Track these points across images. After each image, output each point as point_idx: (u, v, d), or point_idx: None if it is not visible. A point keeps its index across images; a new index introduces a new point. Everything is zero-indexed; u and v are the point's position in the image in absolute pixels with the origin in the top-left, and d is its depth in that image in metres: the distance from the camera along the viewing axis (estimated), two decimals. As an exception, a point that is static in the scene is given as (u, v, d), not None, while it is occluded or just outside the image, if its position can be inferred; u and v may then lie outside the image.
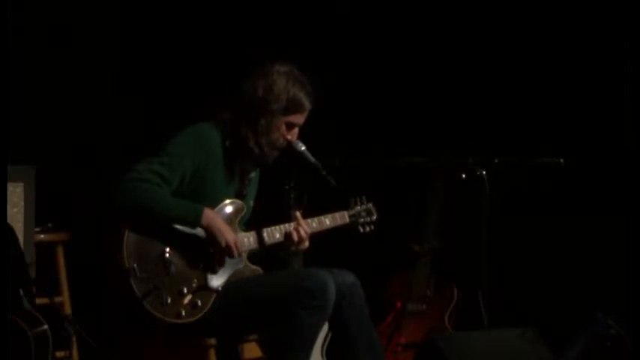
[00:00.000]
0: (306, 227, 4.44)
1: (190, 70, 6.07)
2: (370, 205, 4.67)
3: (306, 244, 4.46)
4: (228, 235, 4.27)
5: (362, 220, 4.63)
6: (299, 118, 4.43)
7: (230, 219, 4.37)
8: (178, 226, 4.24)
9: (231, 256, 4.29)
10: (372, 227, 4.65)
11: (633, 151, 5.58)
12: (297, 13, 6.09)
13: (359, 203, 4.65)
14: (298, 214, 4.47)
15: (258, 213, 4.60)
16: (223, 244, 4.26)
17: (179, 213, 4.23)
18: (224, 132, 4.38)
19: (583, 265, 5.72)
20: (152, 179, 4.19)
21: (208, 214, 4.25)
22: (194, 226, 4.25)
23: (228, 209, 4.39)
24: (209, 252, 4.28)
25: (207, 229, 4.25)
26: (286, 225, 4.45)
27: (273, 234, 4.43)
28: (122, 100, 6.16)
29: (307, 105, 4.41)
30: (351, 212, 4.62)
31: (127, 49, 6.16)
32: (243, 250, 4.38)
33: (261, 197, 4.61)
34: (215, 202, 4.35)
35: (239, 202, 4.43)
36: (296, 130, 4.45)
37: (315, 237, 4.53)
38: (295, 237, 4.42)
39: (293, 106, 4.38)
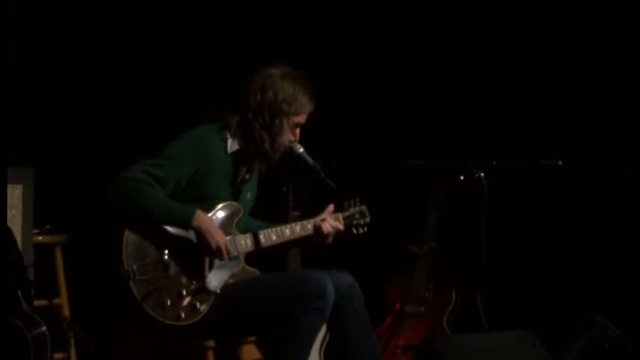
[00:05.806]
0: (332, 222, 4.51)
1: (190, 70, 6.07)
2: (364, 207, 4.67)
3: (330, 239, 4.53)
4: (219, 236, 4.27)
5: (356, 222, 4.64)
6: (303, 118, 4.48)
7: (224, 223, 4.36)
8: (174, 228, 4.24)
9: (220, 258, 4.29)
10: (366, 229, 4.65)
11: (633, 152, 5.57)
12: (297, 15, 6.09)
13: (353, 205, 4.65)
14: (331, 208, 4.55)
15: (257, 214, 4.60)
16: (214, 246, 4.26)
17: (171, 213, 4.23)
18: (229, 134, 4.39)
19: (582, 267, 5.71)
20: (146, 179, 4.20)
21: (200, 215, 4.25)
22: (186, 227, 4.24)
23: (221, 214, 4.37)
24: (201, 253, 4.28)
25: (198, 231, 4.25)
26: (290, 224, 4.47)
27: (270, 236, 4.43)
28: (122, 102, 6.16)
29: (311, 105, 4.47)
30: (346, 214, 4.62)
31: (128, 49, 6.16)
32: (241, 252, 4.38)
33: (259, 199, 4.60)
34: (214, 204, 4.35)
35: (234, 204, 4.42)
36: (298, 130, 4.49)
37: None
38: (325, 229, 4.48)
39: (301, 107, 4.44)
